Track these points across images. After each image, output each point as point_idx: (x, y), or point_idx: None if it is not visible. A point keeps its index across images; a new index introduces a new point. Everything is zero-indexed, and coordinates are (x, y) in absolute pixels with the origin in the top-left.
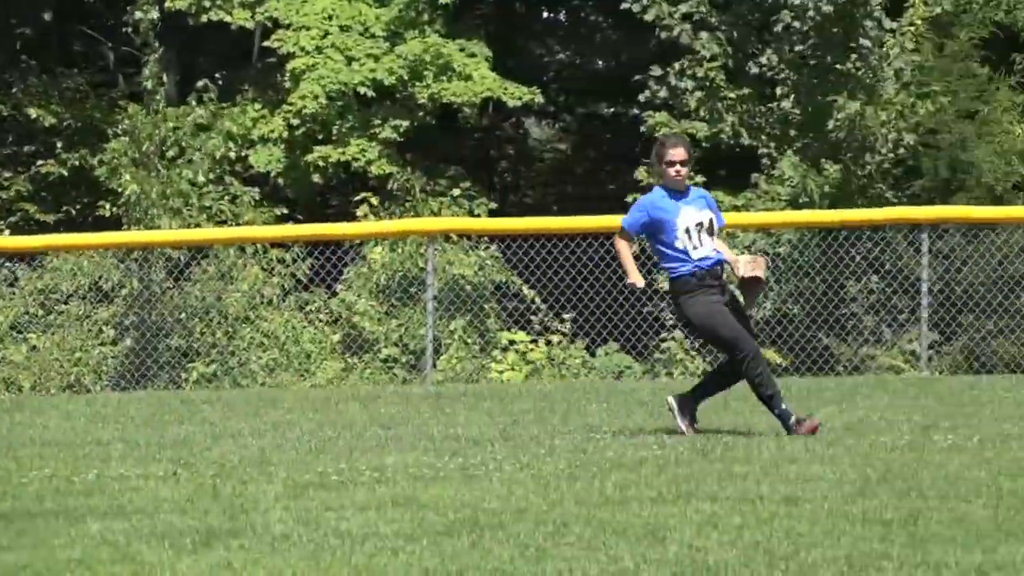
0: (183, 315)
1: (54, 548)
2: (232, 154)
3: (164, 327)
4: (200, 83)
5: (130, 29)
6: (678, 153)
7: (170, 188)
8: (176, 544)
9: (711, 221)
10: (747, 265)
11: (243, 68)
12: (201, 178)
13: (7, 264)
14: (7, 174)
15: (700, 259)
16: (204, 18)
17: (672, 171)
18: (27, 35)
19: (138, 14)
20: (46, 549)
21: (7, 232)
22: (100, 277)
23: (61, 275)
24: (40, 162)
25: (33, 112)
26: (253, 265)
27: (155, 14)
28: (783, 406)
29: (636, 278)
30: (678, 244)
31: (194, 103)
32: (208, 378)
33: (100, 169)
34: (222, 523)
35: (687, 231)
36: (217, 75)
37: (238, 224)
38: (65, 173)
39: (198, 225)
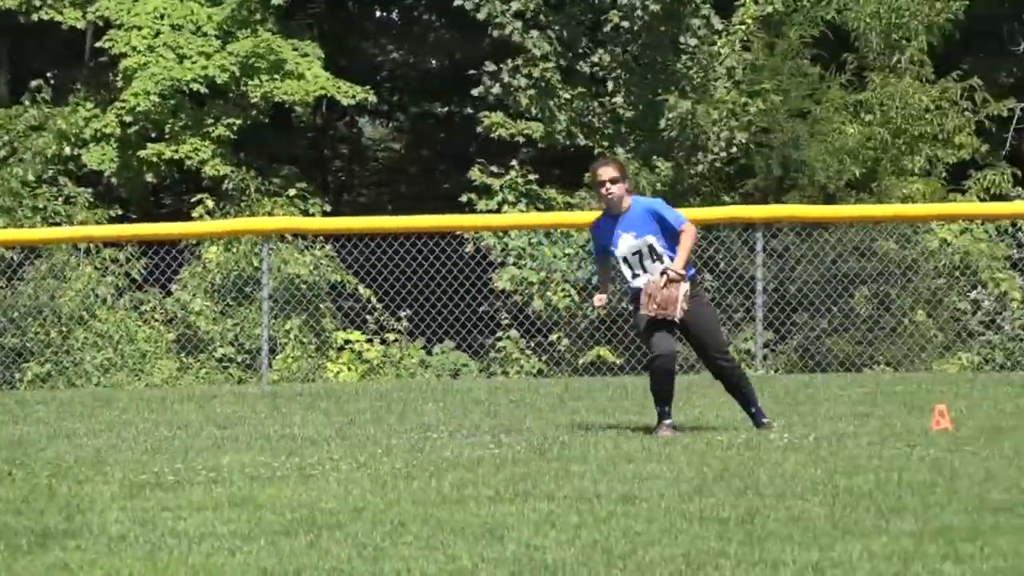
0: (16, 314)
1: None
2: (67, 151)
3: None
4: (34, 83)
5: None
6: (605, 172)
7: (1, 187)
8: (11, 544)
9: (651, 247)
10: (650, 304)
11: (75, 68)
12: (31, 177)
13: None
14: None
15: (637, 287)
16: (35, 17)
17: (603, 191)
18: None
19: None
20: None
21: None
22: None
23: None
24: None
25: None
26: (86, 264)
27: None
28: (667, 408)
29: (597, 298)
30: (622, 269)
31: (27, 103)
32: (42, 378)
33: None
34: (58, 523)
35: (625, 260)
36: (49, 74)
37: (71, 224)
38: None
39: (33, 225)
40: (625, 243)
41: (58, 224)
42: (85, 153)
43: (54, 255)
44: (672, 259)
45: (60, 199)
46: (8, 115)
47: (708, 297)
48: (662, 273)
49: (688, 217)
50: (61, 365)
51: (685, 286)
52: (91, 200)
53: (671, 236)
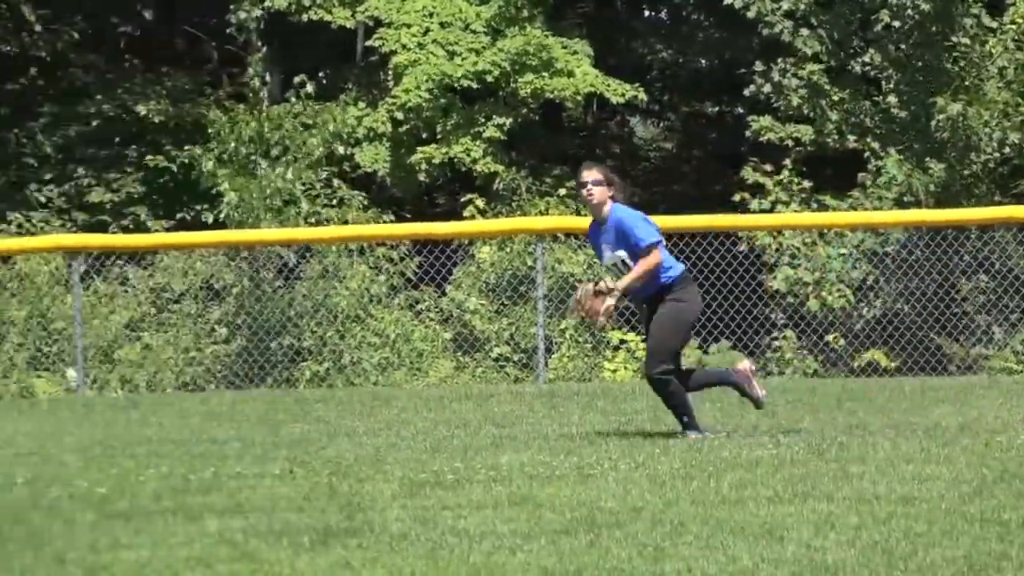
0: (293, 314)
1: (173, 546)
2: (339, 150)
3: (275, 326)
4: (297, 79)
5: (233, 29)
6: (587, 174)
7: (271, 188)
8: (294, 542)
9: (624, 262)
10: (577, 310)
11: (346, 67)
12: (301, 178)
13: (119, 263)
14: (116, 175)
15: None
16: (305, 17)
17: (583, 192)
18: (130, 34)
19: (241, 14)
20: (165, 547)
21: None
22: (211, 276)
23: (173, 274)
24: (149, 157)
25: (142, 108)
26: (360, 264)
27: (257, 12)
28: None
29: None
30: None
31: (293, 100)
32: (321, 377)
33: (202, 172)
34: (339, 521)
35: (607, 270)
36: (320, 74)
37: (343, 222)
38: (175, 169)
39: (306, 224)
40: (606, 254)
41: (331, 222)
42: (359, 152)
43: (327, 255)
44: (651, 278)
45: (334, 201)
46: (277, 113)
47: (685, 306)
48: (595, 283)
49: (963, 217)
50: (339, 364)
51: (611, 302)
52: (365, 203)
53: (643, 252)
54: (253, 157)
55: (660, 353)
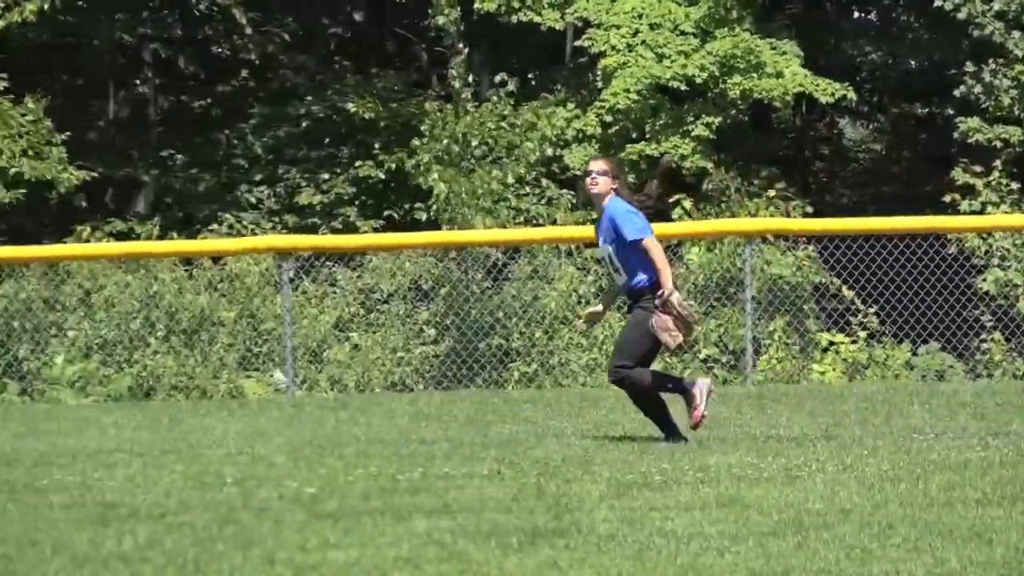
0: (502, 314)
1: (381, 546)
2: (548, 152)
3: (483, 327)
4: (497, 78)
5: (434, 32)
6: (594, 164)
7: (482, 188)
8: (502, 543)
9: (610, 257)
10: (673, 338)
11: (555, 68)
12: (511, 179)
13: (328, 264)
14: (326, 176)
15: (620, 285)
16: (514, 19)
17: (588, 180)
18: (340, 36)
19: (440, 18)
20: (373, 548)
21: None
22: (419, 277)
23: (381, 275)
24: (359, 163)
25: (352, 107)
26: (568, 265)
27: (456, 15)
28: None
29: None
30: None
31: (495, 99)
32: (529, 377)
33: (411, 169)
34: (547, 522)
35: (598, 261)
36: (529, 75)
37: (552, 224)
38: (382, 176)
39: (515, 225)
40: (599, 246)
41: (538, 224)
42: (567, 154)
43: (536, 255)
44: (634, 275)
45: (542, 201)
46: (483, 114)
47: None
48: (657, 307)
49: None
50: (547, 365)
51: (676, 296)
52: (573, 203)
53: (629, 248)
54: (465, 156)
55: (623, 355)
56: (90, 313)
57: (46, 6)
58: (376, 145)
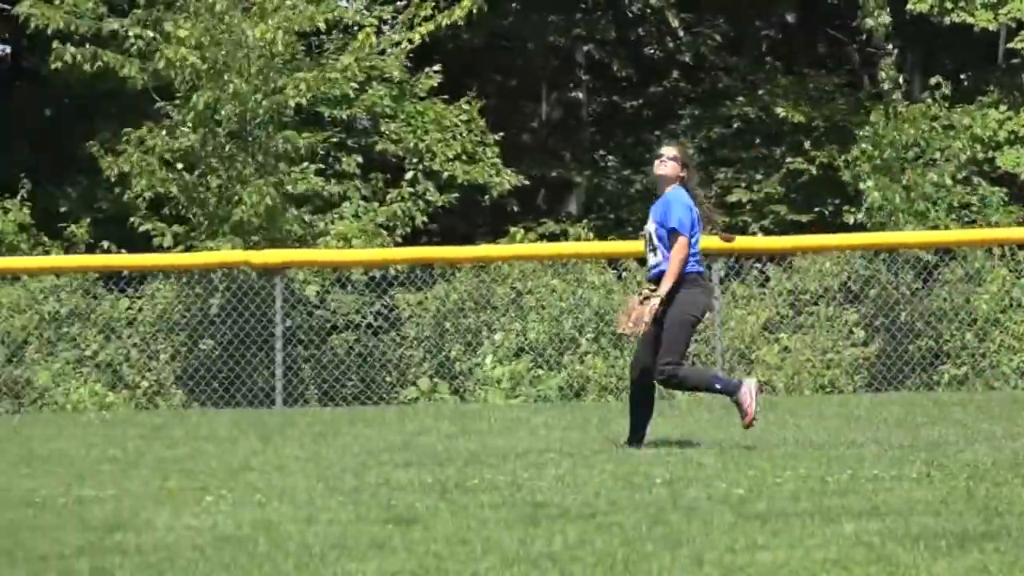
0: (932, 317)
1: (810, 548)
2: (979, 155)
3: (914, 329)
4: (932, 80)
5: (863, 35)
6: (666, 150)
7: (914, 191)
8: (931, 546)
9: (650, 235)
10: (626, 322)
11: (987, 69)
12: (948, 180)
13: (758, 265)
14: (758, 176)
15: (648, 267)
16: (947, 20)
17: (658, 162)
18: (771, 37)
19: (868, 21)
20: (802, 549)
21: (759, 233)
22: (849, 278)
23: (809, 276)
24: (789, 159)
25: (780, 110)
26: (1001, 267)
27: (886, 18)
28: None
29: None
30: None
31: (929, 101)
32: (959, 380)
33: (845, 172)
34: (976, 526)
35: (641, 237)
36: (962, 76)
37: (987, 225)
38: (814, 171)
39: (946, 226)
40: (647, 225)
41: (972, 223)
42: (999, 156)
43: (968, 257)
44: (666, 258)
45: (974, 198)
46: (913, 115)
47: (686, 308)
48: (640, 295)
49: None
50: (978, 368)
51: (653, 302)
52: (1005, 200)
53: (669, 234)
54: (897, 159)
55: (669, 354)
56: (520, 315)
57: (474, 8)
58: (807, 144)
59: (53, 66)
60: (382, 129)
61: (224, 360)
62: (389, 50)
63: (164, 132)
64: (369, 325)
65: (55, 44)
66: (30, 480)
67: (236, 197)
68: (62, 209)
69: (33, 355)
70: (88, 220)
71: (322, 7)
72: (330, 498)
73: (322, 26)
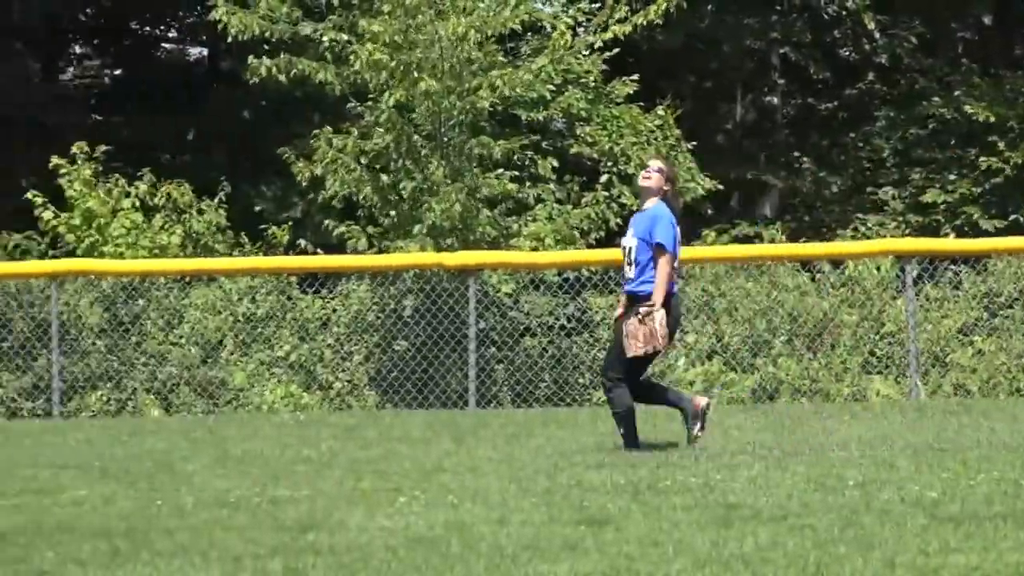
0: None
1: (1002, 551)
2: None
3: None
4: None
5: None
6: (652, 161)
7: None
8: None
9: (630, 250)
10: (635, 345)
11: None
12: None
13: (952, 267)
14: (951, 176)
15: (625, 281)
16: None
17: (643, 173)
18: (967, 38)
19: None
20: (995, 552)
21: (952, 235)
22: None
23: (1005, 278)
24: (982, 159)
25: (973, 110)
26: None
27: None
28: (631, 441)
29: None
30: None
31: None
32: None
33: None
34: None
35: (622, 249)
36: None
37: None
38: (1009, 172)
39: None
40: (626, 237)
41: None
42: None
43: None
44: (641, 279)
45: None
46: None
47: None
48: (635, 313)
49: None
50: None
51: (660, 314)
52: None
53: (652, 250)
54: None
55: (615, 370)
56: (713, 317)
57: (671, 6)
58: (1001, 144)
59: (251, 80)
60: (577, 132)
61: (418, 361)
62: (584, 52)
63: (356, 133)
64: (562, 327)
65: (251, 59)
66: (225, 480)
67: (426, 202)
68: (257, 209)
69: (228, 356)
70: (289, 223)
71: (517, 10)
72: (523, 499)
73: (517, 28)
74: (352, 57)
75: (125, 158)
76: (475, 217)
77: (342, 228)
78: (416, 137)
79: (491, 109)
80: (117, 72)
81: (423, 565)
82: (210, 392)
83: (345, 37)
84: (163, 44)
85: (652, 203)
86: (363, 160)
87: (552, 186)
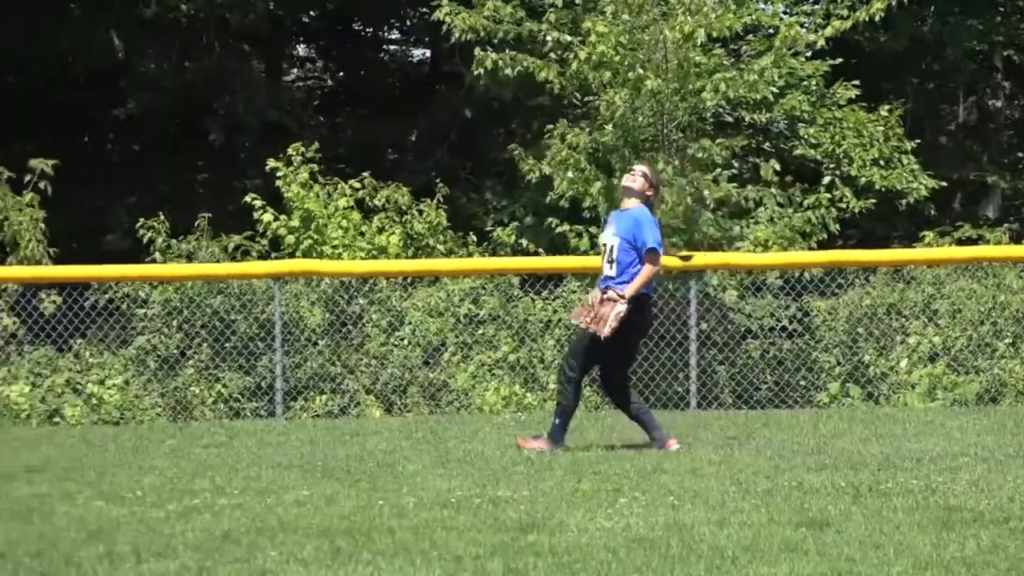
0: None
1: None
2: None
3: None
4: None
5: None
6: (638, 165)
7: None
8: None
9: (612, 248)
10: (583, 315)
11: None
12: None
13: None
14: None
15: (603, 279)
16: None
17: (628, 175)
18: None
19: None
20: None
21: None
22: None
23: None
24: None
25: None
26: None
27: None
28: (559, 432)
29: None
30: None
31: None
32: None
33: None
34: None
35: (600, 246)
36: None
37: None
38: None
39: None
40: (607, 233)
41: None
42: None
43: None
44: (621, 279)
45: None
46: None
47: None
48: (605, 290)
49: None
50: None
51: (620, 308)
52: None
53: (638, 252)
54: None
55: (576, 359)
56: (935, 318)
57: (893, 2)
58: None
59: (476, 72)
60: (800, 133)
61: (639, 362)
62: (806, 51)
63: (583, 132)
64: (783, 328)
65: (476, 51)
66: (446, 481)
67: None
68: (477, 210)
69: (450, 357)
70: (514, 224)
71: (740, 12)
72: (743, 501)
73: (739, 30)
74: (574, 56)
75: (347, 159)
76: (699, 218)
77: (565, 227)
78: (641, 137)
79: (714, 111)
80: (340, 74)
81: (643, 566)
82: (431, 394)
83: (568, 37)
84: (385, 46)
85: (633, 204)
86: (588, 160)
87: (773, 189)
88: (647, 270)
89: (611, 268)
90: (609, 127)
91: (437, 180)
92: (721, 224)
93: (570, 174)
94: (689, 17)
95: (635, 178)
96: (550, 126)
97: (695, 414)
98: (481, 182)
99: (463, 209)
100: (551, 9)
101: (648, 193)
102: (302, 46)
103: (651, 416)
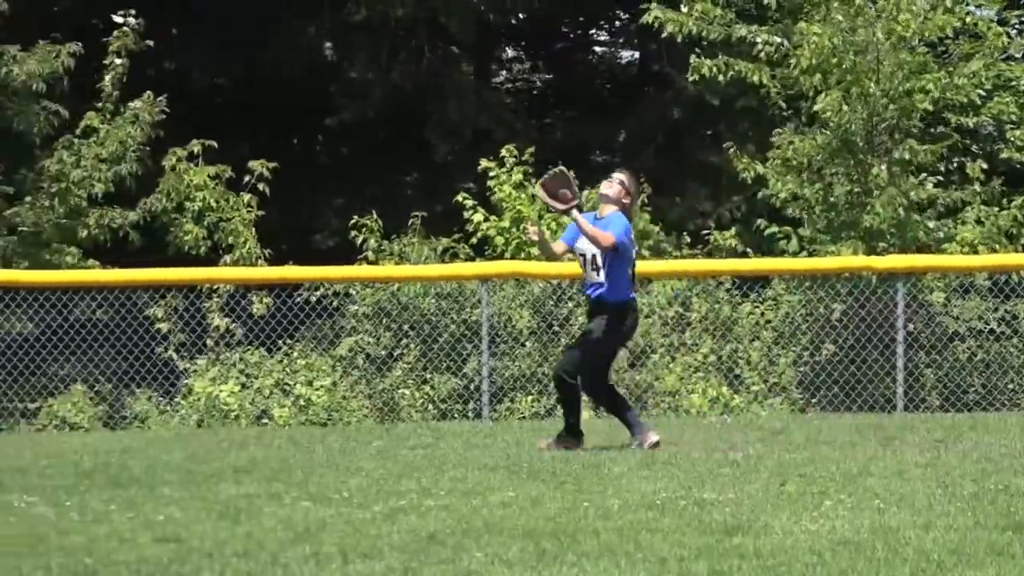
0: None
1: None
2: None
3: None
4: None
5: None
6: (617, 173)
7: None
8: None
9: (593, 257)
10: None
11: None
12: None
13: None
14: None
15: (591, 287)
16: None
17: (606, 182)
18: None
19: None
20: None
21: None
22: None
23: None
24: None
25: None
26: None
27: None
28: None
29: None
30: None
31: None
32: None
33: None
34: None
35: (576, 251)
36: None
37: None
38: None
39: None
40: (582, 241)
41: None
42: None
43: None
44: (605, 281)
45: None
46: None
47: (607, 335)
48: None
49: None
50: None
51: (561, 207)
52: None
53: (616, 255)
54: None
55: (568, 364)
56: None
57: None
58: None
59: (691, 78)
60: (1007, 136)
61: (845, 365)
62: (1016, 55)
63: (808, 137)
64: (992, 331)
65: (692, 59)
66: (651, 483)
67: (869, 204)
68: (683, 212)
69: (656, 359)
70: (734, 228)
71: (950, 14)
72: (949, 504)
73: (950, 32)
74: (795, 64)
75: (554, 161)
76: (910, 222)
77: (773, 228)
78: (854, 140)
79: (922, 114)
80: (548, 75)
81: (848, 569)
82: (637, 395)
83: (778, 39)
84: (594, 47)
85: (609, 211)
86: (796, 162)
87: (977, 187)
88: (601, 236)
89: (598, 275)
90: (827, 131)
91: (643, 181)
92: (928, 227)
93: (789, 176)
94: (901, 18)
95: (612, 185)
96: (778, 130)
97: (902, 417)
98: (686, 181)
99: (668, 211)
100: (770, 12)
101: (624, 200)
102: (510, 48)
103: (627, 413)
